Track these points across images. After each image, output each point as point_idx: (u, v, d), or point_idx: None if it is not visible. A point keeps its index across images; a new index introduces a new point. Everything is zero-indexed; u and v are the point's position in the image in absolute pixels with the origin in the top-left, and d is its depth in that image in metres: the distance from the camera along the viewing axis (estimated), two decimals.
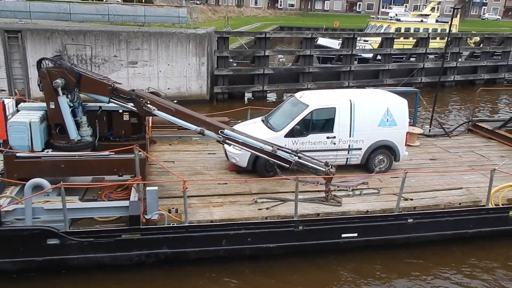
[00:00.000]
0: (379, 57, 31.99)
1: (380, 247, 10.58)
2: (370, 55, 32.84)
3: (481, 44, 35.44)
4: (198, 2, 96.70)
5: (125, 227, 9.07)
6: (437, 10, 54.99)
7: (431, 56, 33.71)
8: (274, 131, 11.87)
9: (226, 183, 11.54)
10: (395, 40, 31.31)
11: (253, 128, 12.12)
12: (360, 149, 12.20)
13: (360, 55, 32.70)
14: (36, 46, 21.84)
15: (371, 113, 12.06)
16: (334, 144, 11.93)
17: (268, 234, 9.75)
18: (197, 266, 9.72)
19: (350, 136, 11.98)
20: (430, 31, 39.19)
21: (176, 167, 12.29)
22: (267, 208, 10.31)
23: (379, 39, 33.23)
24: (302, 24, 67.20)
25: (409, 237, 10.56)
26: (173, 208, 9.83)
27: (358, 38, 32.40)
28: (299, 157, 10.55)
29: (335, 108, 11.84)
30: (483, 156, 14.62)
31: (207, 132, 10.18)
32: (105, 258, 9.11)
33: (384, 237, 10.41)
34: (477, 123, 17.45)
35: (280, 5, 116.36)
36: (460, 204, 11.15)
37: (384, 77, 30.60)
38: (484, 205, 10.97)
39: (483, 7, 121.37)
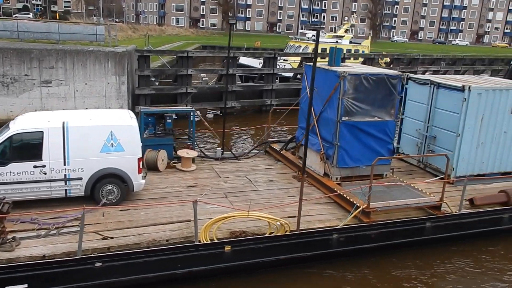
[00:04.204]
0: (299, 76, 33.06)
1: None
2: (291, 74, 33.83)
3: (391, 65, 37.92)
4: (117, 19, 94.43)
5: None
6: (351, 31, 58.21)
7: None
8: None
9: None
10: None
11: None
12: (80, 178, 10.60)
13: (281, 74, 33.59)
14: None
15: (90, 138, 10.57)
16: (45, 174, 10.26)
17: None
18: None
19: (65, 164, 10.38)
20: (344, 51, 41.28)
21: None
22: None
23: (298, 58, 34.39)
24: (224, 44, 67.88)
25: (98, 284, 8.80)
26: None
27: (279, 58, 33.27)
28: None
29: (42, 132, 10.22)
30: (250, 181, 13.38)
31: None
32: None
33: (64, 287, 8.57)
34: (271, 144, 16.27)
35: (202, 24, 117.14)
36: (167, 241, 9.63)
37: None
38: (194, 241, 9.53)
39: (392, 30, 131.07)
